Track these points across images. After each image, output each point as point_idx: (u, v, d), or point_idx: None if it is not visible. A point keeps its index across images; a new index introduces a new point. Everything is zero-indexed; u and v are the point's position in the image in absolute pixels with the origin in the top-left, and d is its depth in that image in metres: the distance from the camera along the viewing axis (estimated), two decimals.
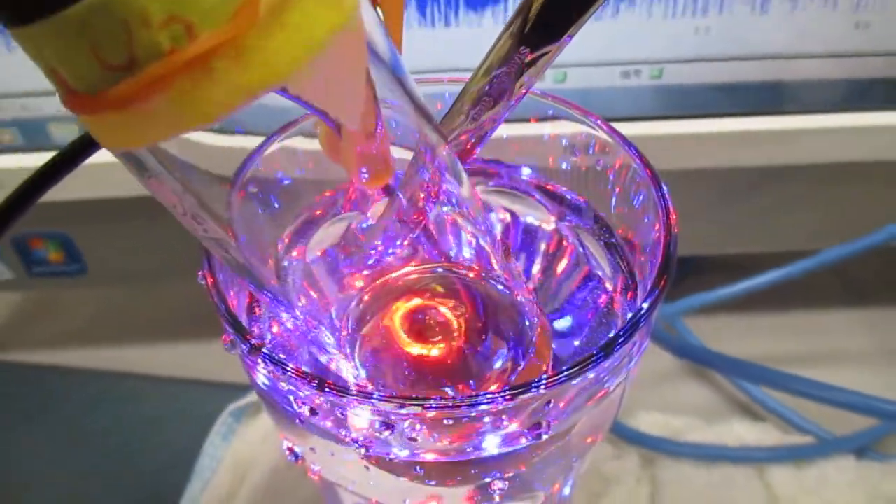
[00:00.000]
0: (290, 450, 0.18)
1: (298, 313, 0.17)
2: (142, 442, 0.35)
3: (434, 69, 0.30)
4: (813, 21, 0.29)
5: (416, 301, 0.18)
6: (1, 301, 0.41)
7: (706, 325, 0.37)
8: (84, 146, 0.16)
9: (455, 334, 0.18)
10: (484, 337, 0.18)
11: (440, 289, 0.19)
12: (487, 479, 0.16)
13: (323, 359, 0.17)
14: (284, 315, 0.17)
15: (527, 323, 0.18)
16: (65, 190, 0.30)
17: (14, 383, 0.37)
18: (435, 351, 0.17)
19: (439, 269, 0.19)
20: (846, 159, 0.32)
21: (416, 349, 0.17)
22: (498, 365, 0.18)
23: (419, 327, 0.18)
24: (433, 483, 0.16)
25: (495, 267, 0.19)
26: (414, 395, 0.14)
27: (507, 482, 0.17)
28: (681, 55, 0.30)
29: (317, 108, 0.13)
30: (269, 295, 0.16)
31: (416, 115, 0.15)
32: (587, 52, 0.30)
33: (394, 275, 0.19)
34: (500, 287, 0.19)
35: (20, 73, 0.30)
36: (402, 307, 0.19)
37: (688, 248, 0.37)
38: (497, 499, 0.17)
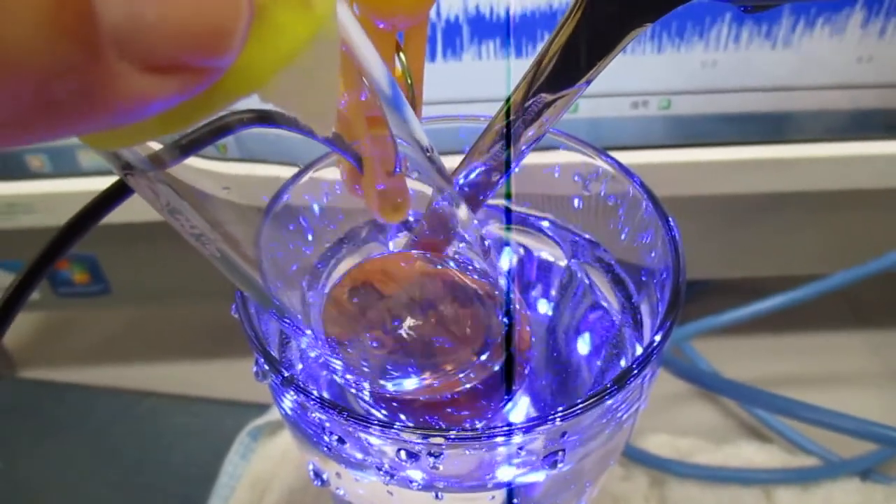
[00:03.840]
0: (316, 473, 0.19)
1: (319, 343, 0.18)
2: (162, 460, 0.36)
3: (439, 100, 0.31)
4: (817, 54, 0.30)
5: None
6: (27, 320, 0.42)
7: (714, 349, 0.38)
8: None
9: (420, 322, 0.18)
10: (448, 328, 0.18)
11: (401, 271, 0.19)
12: None
13: (340, 380, 0.17)
14: (304, 341, 0.18)
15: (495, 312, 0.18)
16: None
17: (38, 400, 0.38)
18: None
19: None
20: (849, 186, 0.33)
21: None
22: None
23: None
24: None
25: (476, 264, 0.19)
26: (434, 426, 0.14)
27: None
28: (688, 87, 0.31)
29: (361, 151, 0.14)
30: (290, 323, 0.16)
31: (416, 151, 0.15)
32: (598, 84, 0.30)
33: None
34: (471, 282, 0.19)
35: None
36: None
37: (696, 272, 0.38)
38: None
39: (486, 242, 0.18)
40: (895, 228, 0.34)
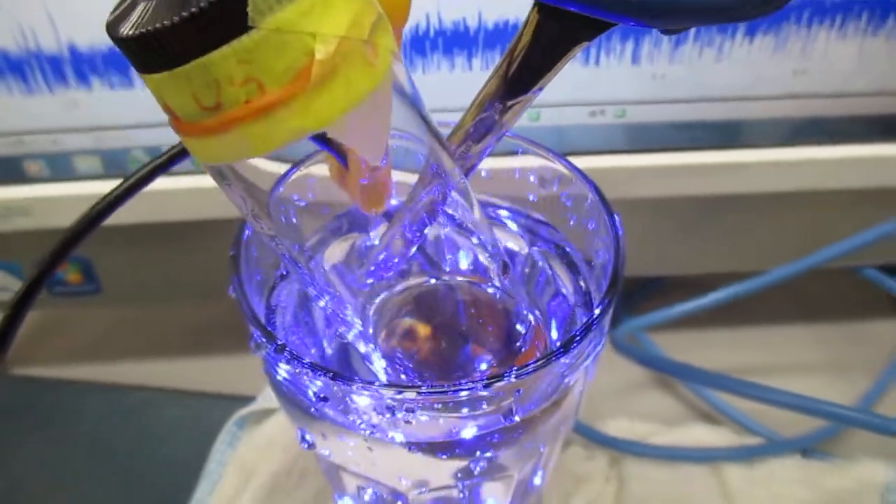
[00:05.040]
0: (304, 438, 0.21)
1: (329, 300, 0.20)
2: (151, 449, 0.37)
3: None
4: (757, 69, 0.33)
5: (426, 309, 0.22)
6: (32, 319, 0.44)
7: (669, 341, 0.40)
8: (143, 178, 0.19)
9: (454, 336, 0.21)
10: (476, 338, 0.22)
11: (443, 297, 0.23)
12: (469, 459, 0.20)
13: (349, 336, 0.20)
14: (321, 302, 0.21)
15: (518, 327, 0.22)
16: (79, 216, 0.34)
17: (29, 396, 0.40)
18: (437, 347, 0.21)
19: (437, 280, 0.23)
20: (791, 188, 0.36)
21: (424, 347, 0.20)
22: (483, 366, 0.21)
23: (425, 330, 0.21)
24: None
25: (495, 279, 0.22)
26: (408, 384, 0.17)
27: (485, 462, 0.20)
28: (641, 97, 0.34)
29: (346, 148, 0.16)
30: (310, 280, 0.19)
31: (433, 143, 0.18)
32: (558, 94, 0.34)
33: (402, 286, 0.23)
34: (494, 293, 0.22)
35: (45, 113, 0.33)
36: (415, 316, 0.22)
37: (651, 270, 0.41)
38: (477, 475, 0.20)
39: (505, 262, 0.21)
40: (831, 226, 0.37)
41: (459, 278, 0.22)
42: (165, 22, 0.12)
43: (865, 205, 0.36)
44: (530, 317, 0.22)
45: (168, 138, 0.34)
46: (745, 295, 0.35)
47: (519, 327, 0.22)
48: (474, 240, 0.22)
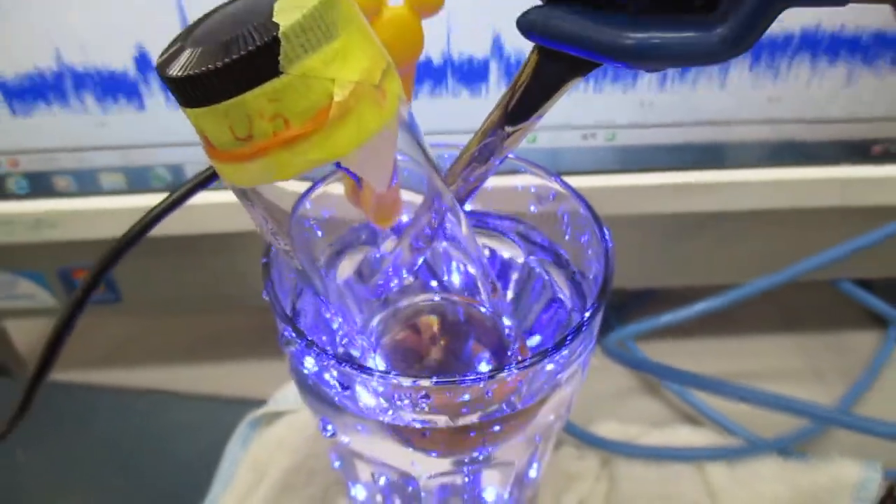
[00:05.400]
0: (325, 427, 0.23)
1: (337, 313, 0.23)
2: (168, 450, 0.40)
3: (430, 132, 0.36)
4: (737, 96, 0.36)
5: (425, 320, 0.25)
6: (44, 326, 0.46)
7: (656, 349, 0.43)
8: (185, 193, 0.21)
9: (449, 345, 0.24)
10: (468, 348, 0.24)
11: (441, 312, 0.25)
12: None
13: (354, 353, 0.22)
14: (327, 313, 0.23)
15: (505, 341, 0.24)
16: (105, 229, 0.36)
17: (47, 399, 0.42)
18: (435, 356, 0.23)
19: (437, 298, 0.25)
20: (769, 206, 0.39)
21: (423, 355, 0.23)
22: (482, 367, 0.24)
23: (425, 338, 0.24)
24: (438, 449, 0.22)
25: (483, 297, 0.25)
26: (424, 375, 0.19)
27: (488, 449, 0.22)
28: (629, 122, 0.36)
29: (356, 175, 0.19)
30: (318, 294, 0.21)
31: (428, 168, 0.20)
32: (553, 118, 0.36)
33: (406, 301, 0.25)
34: (484, 311, 0.25)
35: (76, 132, 0.36)
36: (415, 324, 0.25)
37: (640, 282, 0.44)
38: (481, 461, 0.22)
39: (492, 282, 0.24)
40: (807, 242, 0.39)
41: (455, 297, 0.25)
42: (210, 66, 0.15)
43: (838, 222, 0.39)
44: (515, 332, 0.25)
45: (187, 157, 0.37)
46: (727, 306, 0.37)
47: (506, 341, 0.25)
48: (471, 269, 0.24)
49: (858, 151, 0.38)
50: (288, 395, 0.39)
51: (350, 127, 0.16)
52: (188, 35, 0.16)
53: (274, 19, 0.15)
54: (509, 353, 0.24)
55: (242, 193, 0.19)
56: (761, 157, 0.38)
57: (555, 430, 0.26)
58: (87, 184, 0.37)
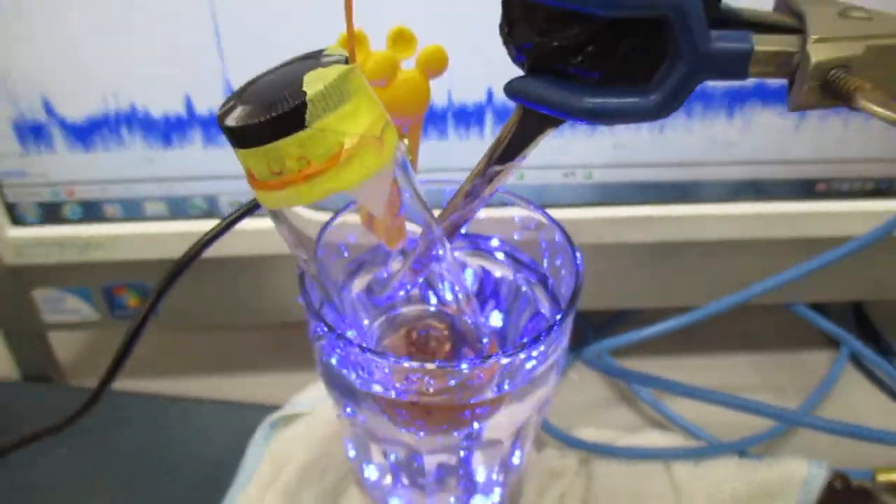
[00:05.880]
0: (346, 411, 0.28)
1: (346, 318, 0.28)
2: (195, 450, 0.44)
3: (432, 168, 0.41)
4: (699, 141, 0.42)
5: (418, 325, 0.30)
6: (88, 338, 0.51)
7: (630, 365, 0.48)
8: (233, 220, 0.27)
9: (438, 344, 0.29)
10: (455, 347, 0.29)
11: (432, 319, 0.30)
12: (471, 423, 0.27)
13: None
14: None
15: (484, 340, 0.29)
16: (146, 251, 0.42)
17: (90, 406, 0.47)
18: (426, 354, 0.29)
19: (431, 308, 0.31)
20: (729, 237, 0.44)
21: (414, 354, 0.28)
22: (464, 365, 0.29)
23: (419, 341, 0.29)
24: (439, 426, 0.27)
25: (465, 308, 0.30)
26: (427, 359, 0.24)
27: (481, 426, 0.27)
28: (604, 162, 0.42)
29: (361, 203, 0.24)
30: (332, 305, 0.27)
31: (419, 204, 0.26)
32: (538, 159, 0.42)
33: (403, 310, 0.31)
34: (468, 320, 0.30)
35: (127, 166, 0.41)
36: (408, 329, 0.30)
37: (614, 303, 0.49)
38: (474, 438, 0.27)
39: (466, 295, 0.29)
40: (763, 268, 0.44)
41: (441, 308, 0.30)
42: (256, 120, 0.20)
43: (788, 251, 0.44)
44: (486, 336, 0.30)
45: (220, 189, 0.43)
46: (691, 323, 0.43)
47: (482, 341, 0.30)
48: (447, 284, 0.29)
49: (805, 189, 0.44)
50: (304, 400, 0.45)
51: (355, 167, 0.22)
52: (240, 95, 0.22)
53: (304, 88, 0.20)
54: (484, 349, 0.29)
55: (274, 214, 0.24)
56: (722, 194, 0.44)
57: (534, 423, 0.31)
58: (132, 211, 0.43)
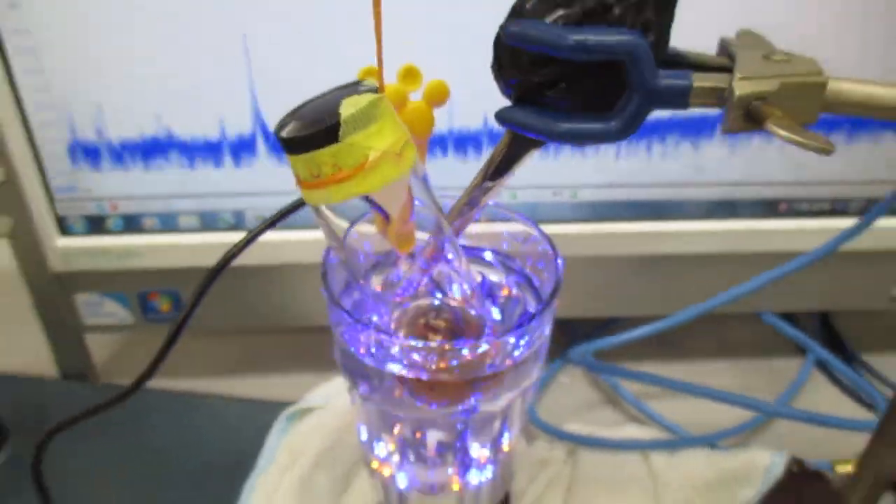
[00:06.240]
0: (361, 389, 0.33)
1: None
2: (216, 443, 0.48)
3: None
4: (671, 164, 0.47)
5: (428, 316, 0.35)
6: (123, 339, 0.56)
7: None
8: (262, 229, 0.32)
9: (446, 330, 0.34)
10: (461, 333, 0.34)
11: (441, 311, 0.35)
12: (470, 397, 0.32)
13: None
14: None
15: (486, 329, 0.34)
16: (179, 259, 0.47)
17: (125, 404, 0.52)
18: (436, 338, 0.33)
19: (437, 302, 0.36)
20: (704, 251, 0.49)
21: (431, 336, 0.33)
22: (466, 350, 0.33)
23: (429, 327, 0.34)
24: (443, 401, 0.32)
25: (471, 300, 0.35)
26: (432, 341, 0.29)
27: (476, 403, 0.32)
28: (588, 183, 0.47)
29: (380, 206, 0.29)
30: (360, 290, 0.31)
31: (435, 210, 0.31)
32: (530, 180, 0.47)
33: (414, 303, 0.35)
34: (473, 311, 0.35)
35: (164, 184, 0.46)
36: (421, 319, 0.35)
37: (598, 311, 0.54)
38: (469, 410, 0.32)
39: (472, 289, 0.34)
40: (732, 278, 0.49)
41: (450, 301, 0.35)
42: (303, 133, 0.25)
43: (756, 263, 0.49)
44: (488, 326, 0.35)
45: (248, 205, 0.48)
46: (668, 328, 0.47)
47: (483, 328, 0.34)
48: (464, 284, 0.34)
49: (769, 209, 0.49)
50: (318, 396, 0.49)
51: (377, 175, 0.26)
52: (294, 113, 0.27)
53: (340, 110, 0.25)
54: (485, 336, 0.34)
55: (315, 210, 0.29)
56: (697, 212, 0.49)
57: (519, 407, 0.36)
58: (168, 223, 0.48)
